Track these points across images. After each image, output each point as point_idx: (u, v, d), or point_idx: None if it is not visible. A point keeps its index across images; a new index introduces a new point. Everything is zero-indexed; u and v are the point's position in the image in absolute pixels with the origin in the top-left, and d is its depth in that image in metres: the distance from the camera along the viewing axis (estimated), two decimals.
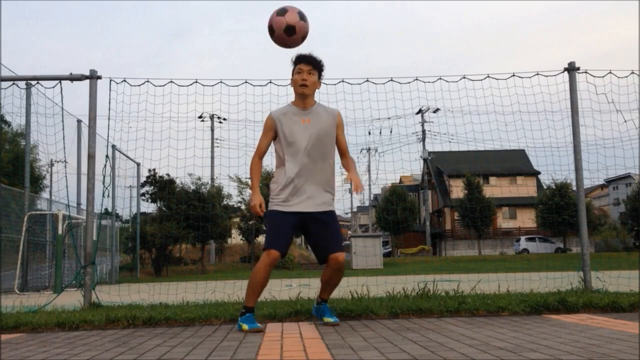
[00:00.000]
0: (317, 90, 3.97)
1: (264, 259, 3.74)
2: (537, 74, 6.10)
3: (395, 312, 4.33)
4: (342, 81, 6.06)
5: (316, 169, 3.84)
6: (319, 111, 3.92)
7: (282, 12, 3.80)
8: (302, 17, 3.82)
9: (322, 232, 3.85)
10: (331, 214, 3.90)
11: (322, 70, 3.94)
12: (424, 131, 44.04)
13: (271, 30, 3.85)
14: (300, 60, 3.88)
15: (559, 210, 36.91)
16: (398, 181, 53.59)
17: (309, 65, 3.86)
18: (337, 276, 3.94)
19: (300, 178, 3.81)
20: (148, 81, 5.91)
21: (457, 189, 44.57)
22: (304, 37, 3.88)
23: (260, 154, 3.98)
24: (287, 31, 3.78)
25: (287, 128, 3.85)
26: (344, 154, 4.01)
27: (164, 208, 28.37)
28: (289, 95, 6.07)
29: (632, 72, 6.09)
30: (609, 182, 56.68)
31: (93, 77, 5.67)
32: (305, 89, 3.84)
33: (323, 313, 4.02)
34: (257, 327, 3.71)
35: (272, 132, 3.91)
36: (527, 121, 6.45)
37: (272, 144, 3.97)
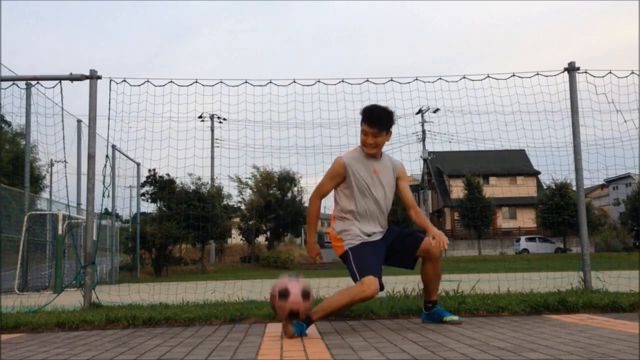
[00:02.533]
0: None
1: (363, 290, 3.47)
2: (537, 74, 6.10)
3: (395, 312, 4.33)
4: (342, 81, 6.06)
5: (383, 221, 3.84)
6: (386, 162, 3.88)
7: (284, 296, 3.40)
8: (305, 295, 3.39)
9: (397, 239, 3.83)
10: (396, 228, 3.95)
11: (391, 125, 3.78)
12: (424, 131, 44.04)
13: (274, 309, 3.52)
14: (366, 119, 3.74)
15: (559, 210, 36.90)
16: None
17: (375, 128, 3.71)
18: (436, 264, 3.81)
19: (369, 226, 3.77)
20: (148, 81, 5.91)
21: (457, 189, 44.58)
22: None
23: (321, 195, 3.85)
24: (281, 297, 3.37)
25: (360, 176, 3.77)
26: (412, 206, 3.94)
27: (164, 208, 28.37)
28: (289, 95, 6.09)
29: (632, 72, 6.10)
30: (609, 182, 56.69)
31: (93, 77, 5.67)
32: (371, 151, 3.77)
33: (442, 313, 3.91)
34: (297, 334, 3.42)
35: (340, 178, 3.80)
36: (527, 121, 6.44)
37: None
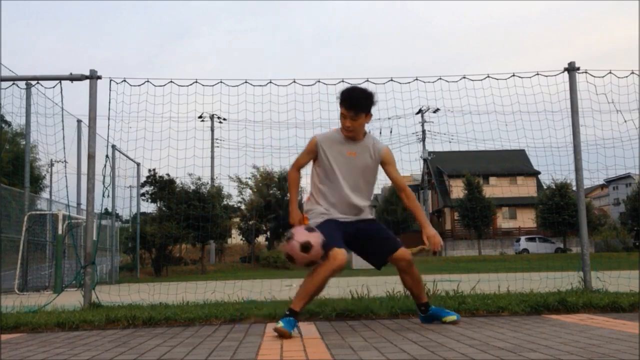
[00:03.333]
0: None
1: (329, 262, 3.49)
2: (537, 74, 6.10)
3: (395, 312, 4.33)
4: (342, 81, 6.05)
5: (353, 203, 3.74)
6: (367, 145, 3.77)
7: (289, 237, 3.51)
8: (310, 230, 3.50)
9: (370, 237, 3.77)
10: (373, 221, 3.82)
11: (370, 107, 3.71)
12: (424, 131, 44.08)
13: (291, 259, 3.51)
14: (344, 102, 3.66)
15: (559, 210, 36.91)
16: None
17: (352, 111, 3.64)
18: (412, 272, 3.79)
19: (335, 209, 3.72)
20: (148, 81, 5.91)
21: (457, 189, 44.58)
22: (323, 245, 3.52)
23: (298, 167, 3.85)
24: (304, 250, 3.41)
25: (330, 156, 3.72)
26: (402, 188, 3.88)
27: (164, 208, 28.38)
28: (289, 95, 6.09)
29: (632, 72, 6.10)
30: (609, 182, 56.71)
31: (93, 77, 5.67)
32: (350, 134, 3.71)
33: (440, 314, 3.88)
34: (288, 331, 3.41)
35: (313, 154, 3.79)
36: (527, 121, 6.44)
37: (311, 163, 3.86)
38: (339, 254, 3.48)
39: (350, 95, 3.68)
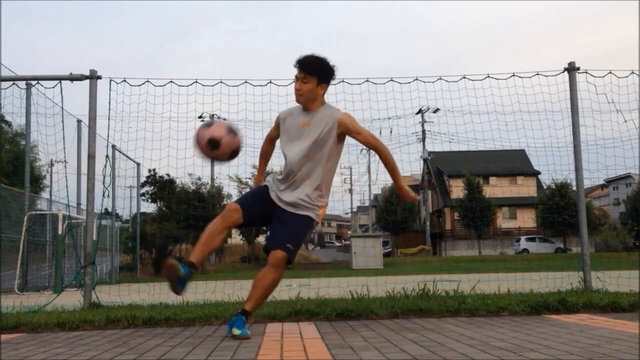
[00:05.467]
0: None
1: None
2: (537, 74, 6.10)
3: (395, 312, 4.33)
4: (342, 81, 6.06)
5: (308, 173, 3.59)
6: (321, 115, 3.61)
7: (207, 125, 3.56)
8: (230, 131, 3.53)
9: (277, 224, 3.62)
10: (297, 216, 3.58)
11: (322, 73, 3.60)
12: (424, 131, 44.06)
13: (196, 144, 3.55)
14: (296, 63, 3.62)
15: (559, 210, 36.92)
16: None
17: (302, 72, 3.58)
18: (266, 276, 3.50)
19: (290, 180, 3.61)
20: (148, 81, 5.91)
21: (457, 189, 44.57)
22: (234, 152, 3.58)
23: (268, 139, 3.95)
24: (210, 145, 3.47)
25: (287, 128, 3.69)
26: (374, 147, 3.65)
27: (164, 208, 28.37)
28: (289, 95, 6.09)
29: (632, 72, 6.10)
30: (609, 182, 56.68)
31: (93, 77, 5.67)
32: (299, 98, 3.62)
33: (234, 324, 3.46)
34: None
35: (277, 130, 3.82)
36: (527, 121, 6.46)
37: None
38: (229, 207, 3.59)
39: (304, 57, 3.62)
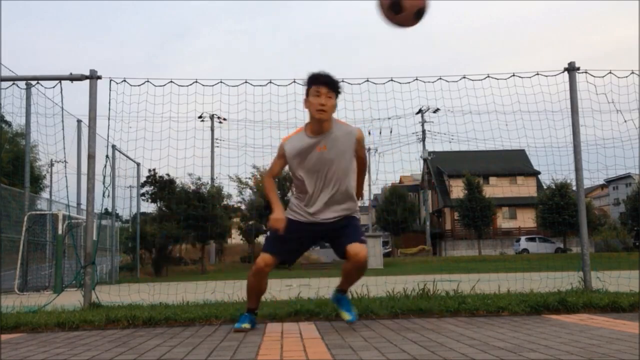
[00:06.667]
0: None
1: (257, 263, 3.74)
2: (537, 74, 6.10)
3: (395, 312, 4.33)
4: (342, 81, 6.03)
5: (336, 192, 3.70)
6: (336, 135, 3.67)
7: None
8: None
9: (340, 232, 3.76)
10: (348, 218, 3.78)
11: (340, 92, 3.69)
12: (424, 131, 44.05)
13: (377, 7, 3.40)
14: (317, 81, 3.61)
15: (559, 210, 36.91)
16: (398, 181, 53.61)
17: (327, 88, 3.58)
18: (357, 270, 3.76)
19: (323, 201, 3.69)
20: (148, 81, 5.91)
21: (457, 189, 44.57)
22: (419, 12, 3.36)
23: (273, 174, 3.90)
24: (393, 8, 3.31)
25: (302, 157, 3.67)
26: (364, 161, 3.90)
27: (164, 208, 28.37)
28: (289, 95, 6.09)
29: (632, 72, 6.09)
30: (609, 182, 56.72)
31: (93, 77, 5.67)
32: (323, 115, 3.58)
33: (341, 305, 3.91)
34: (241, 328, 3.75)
35: (284, 160, 3.76)
36: (527, 121, 6.45)
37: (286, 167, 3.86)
38: (262, 259, 3.70)
39: (323, 74, 3.64)
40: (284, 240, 3.72)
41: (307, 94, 3.65)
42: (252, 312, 3.86)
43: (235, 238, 35.51)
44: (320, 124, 3.64)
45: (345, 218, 3.77)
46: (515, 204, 46.07)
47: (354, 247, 3.63)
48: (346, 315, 3.83)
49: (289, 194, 34.95)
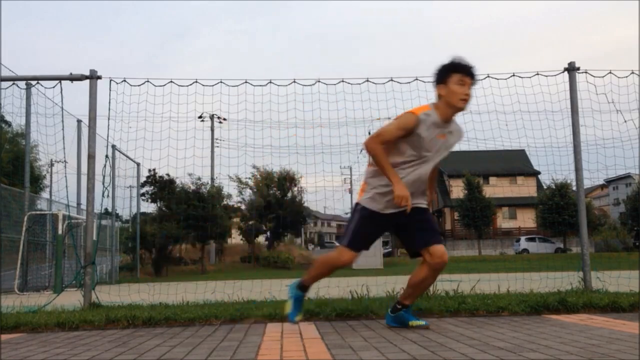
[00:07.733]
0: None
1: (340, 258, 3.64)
2: (537, 74, 6.09)
3: None
4: (342, 81, 6.05)
5: (423, 183, 3.63)
6: (455, 129, 3.64)
7: None
8: None
9: (418, 225, 3.63)
10: (428, 211, 3.71)
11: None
12: None
13: None
14: (463, 70, 3.49)
15: (559, 210, 36.91)
16: None
17: (472, 79, 3.51)
18: (432, 275, 3.62)
19: (418, 186, 3.59)
20: (148, 81, 5.91)
21: (457, 189, 44.58)
22: None
23: (384, 141, 3.48)
24: None
25: (426, 137, 3.48)
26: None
27: (164, 208, 28.35)
28: (289, 95, 6.09)
29: (632, 72, 6.09)
30: (609, 182, 56.72)
31: (93, 77, 5.67)
32: (465, 104, 3.51)
33: (407, 318, 3.70)
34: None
35: (407, 132, 3.47)
36: (527, 121, 6.44)
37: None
38: (348, 256, 3.62)
39: (470, 64, 3.51)
40: (371, 233, 3.66)
41: (447, 81, 3.50)
42: (306, 290, 3.84)
43: (235, 238, 35.48)
44: (454, 113, 3.55)
45: (426, 210, 3.70)
46: (515, 204, 46.09)
47: (439, 249, 3.54)
48: (420, 322, 3.67)
49: (289, 194, 35.02)
